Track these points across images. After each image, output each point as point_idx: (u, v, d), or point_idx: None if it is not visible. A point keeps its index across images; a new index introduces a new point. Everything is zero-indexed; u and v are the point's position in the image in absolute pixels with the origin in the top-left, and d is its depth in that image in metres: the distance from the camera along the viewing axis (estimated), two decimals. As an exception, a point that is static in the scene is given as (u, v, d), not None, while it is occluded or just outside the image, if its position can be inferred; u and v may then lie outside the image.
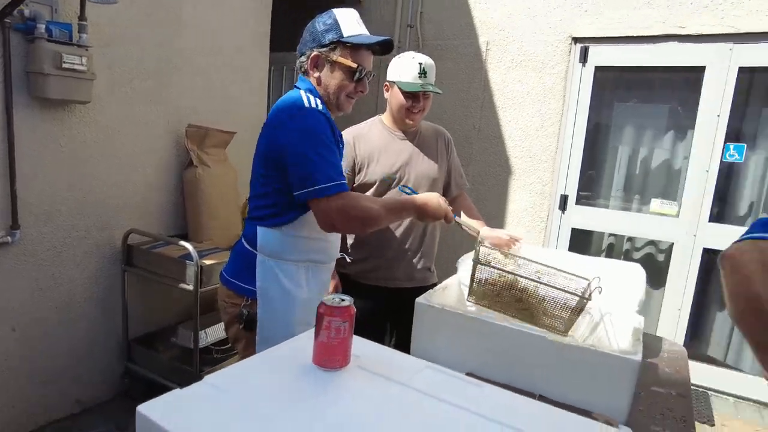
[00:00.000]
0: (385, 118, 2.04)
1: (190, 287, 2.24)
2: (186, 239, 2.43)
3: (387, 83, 1.98)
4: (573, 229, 3.35)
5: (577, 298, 1.37)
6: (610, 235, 3.40)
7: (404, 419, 0.68)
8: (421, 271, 2.06)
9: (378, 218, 1.45)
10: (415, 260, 2.04)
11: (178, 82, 2.64)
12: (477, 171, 3.58)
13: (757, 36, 2.78)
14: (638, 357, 1.16)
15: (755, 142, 2.96)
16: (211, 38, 2.78)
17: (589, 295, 1.37)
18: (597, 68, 3.18)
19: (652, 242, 3.29)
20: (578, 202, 3.32)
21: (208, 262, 2.28)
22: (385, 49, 1.51)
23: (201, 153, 2.66)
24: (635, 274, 1.68)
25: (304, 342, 0.85)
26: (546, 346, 1.21)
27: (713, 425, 2.72)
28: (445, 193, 2.12)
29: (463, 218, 2.05)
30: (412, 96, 1.90)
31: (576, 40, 3.21)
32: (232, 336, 1.59)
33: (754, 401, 2.96)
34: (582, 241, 3.41)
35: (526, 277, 1.47)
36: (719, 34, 2.85)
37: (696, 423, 2.80)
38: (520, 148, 3.43)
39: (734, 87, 2.86)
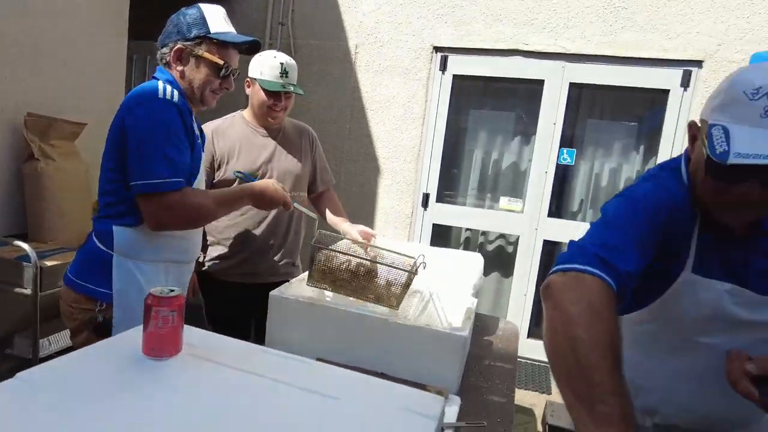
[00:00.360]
0: (247, 113, 2.04)
1: (28, 291, 2.05)
2: (26, 239, 2.21)
3: (249, 79, 1.98)
4: (434, 225, 3.60)
5: (407, 274, 1.52)
6: (467, 229, 3.72)
7: (230, 399, 0.72)
8: (284, 266, 2.09)
9: (209, 213, 1.47)
10: (278, 256, 2.07)
11: (17, 66, 2.38)
12: (348, 170, 3.69)
13: (583, 57, 3.23)
14: (465, 333, 1.32)
15: (583, 148, 3.43)
16: (60, 21, 2.54)
17: (416, 270, 1.52)
18: (455, 76, 3.45)
19: (502, 235, 3.66)
20: (439, 199, 3.58)
21: (49, 263, 2.10)
22: (251, 50, 1.53)
23: (44, 145, 2.42)
24: (474, 262, 1.89)
25: (134, 334, 0.85)
26: (386, 328, 1.32)
27: (550, 394, 3.11)
28: (311, 189, 2.18)
29: (328, 217, 2.13)
30: (274, 95, 1.93)
31: (437, 49, 3.46)
32: (80, 344, 1.49)
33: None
34: (443, 236, 3.68)
35: (359, 257, 1.59)
36: (555, 53, 3.26)
37: (536, 392, 3.15)
38: (387, 148, 3.61)
39: (566, 100, 3.29)
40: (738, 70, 0.93)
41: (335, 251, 1.58)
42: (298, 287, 1.56)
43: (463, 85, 3.51)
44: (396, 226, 3.64)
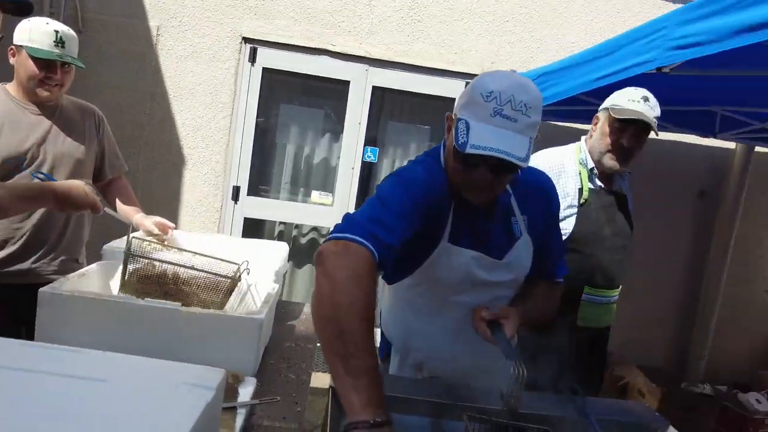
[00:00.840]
0: (12, 87, 1.77)
1: None
2: None
3: (13, 47, 1.72)
4: (246, 219, 3.55)
5: (229, 280, 1.51)
6: (281, 223, 3.75)
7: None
8: (65, 262, 1.87)
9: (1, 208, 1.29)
10: (57, 251, 1.84)
11: None
12: (149, 158, 3.41)
13: (384, 63, 3.51)
14: (262, 316, 1.36)
15: (385, 147, 3.73)
16: None
17: (239, 276, 1.52)
18: (265, 69, 3.44)
19: (315, 228, 3.78)
20: (250, 193, 3.54)
21: None
22: (20, 10, 1.32)
23: None
24: (279, 250, 1.94)
25: None
26: (178, 318, 1.29)
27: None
28: (99, 176, 1.98)
29: (119, 207, 1.96)
30: (46, 66, 1.70)
31: (246, 40, 3.40)
32: None
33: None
34: (255, 230, 3.65)
35: (180, 265, 1.52)
36: (359, 56, 3.48)
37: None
38: (193, 137, 3.43)
39: (370, 101, 3.53)
40: (480, 75, 1.15)
41: (152, 259, 1.48)
42: (77, 282, 1.41)
43: (273, 79, 3.51)
44: (204, 219, 3.49)
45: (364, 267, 0.96)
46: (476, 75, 3.49)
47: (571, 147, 2.05)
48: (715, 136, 3.48)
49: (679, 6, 1.80)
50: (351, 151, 3.58)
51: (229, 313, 1.34)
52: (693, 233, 4.06)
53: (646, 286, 3.72)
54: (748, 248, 4.07)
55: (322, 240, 3.77)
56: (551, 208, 1.36)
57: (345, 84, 3.51)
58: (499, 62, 3.61)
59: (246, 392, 1.22)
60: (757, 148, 3.81)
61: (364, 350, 0.88)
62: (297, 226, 3.80)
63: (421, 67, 3.53)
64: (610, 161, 1.90)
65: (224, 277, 1.52)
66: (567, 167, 1.97)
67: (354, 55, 3.47)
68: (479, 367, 1.34)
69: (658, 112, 1.86)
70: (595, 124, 1.97)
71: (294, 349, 1.65)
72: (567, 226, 1.89)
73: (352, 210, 3.61)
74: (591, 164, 1.96)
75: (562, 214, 1.84)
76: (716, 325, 4.02)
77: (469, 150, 1.03)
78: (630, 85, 1.95)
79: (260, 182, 3.67)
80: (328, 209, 3.63)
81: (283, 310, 1.99)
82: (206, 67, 3.39)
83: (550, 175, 1.90)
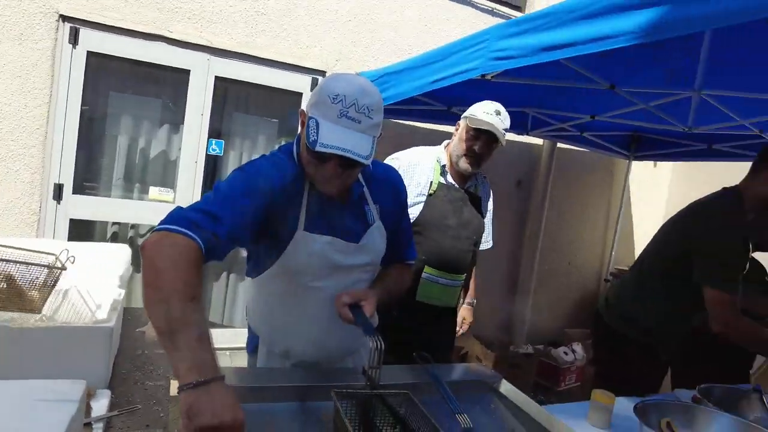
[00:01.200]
0: None
1: None
2: None
3: None
4: (72, 220, 3.15)
5: (47, 270, 1.35)
6: (114, 223, 3.41)
7: None
8: None
9: None
10: None
11: None
12: (-64, 154, 2.84)
13: (227, 53, 3.39)
14: (111, 324, 1.27)
15: (231, 139, 3.62)
16: None
17: (62, 265, 1.38)
18: (90, 53, 3.08)
19: (154, 227, 3.50)
20: (76, 191, 3.15)
21: None
22: None
23: None
24: (120, 253, 1.80)
25: None
26: (12, 335, 1.15)
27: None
28: None
29: None
30: None
31: (64, 18, 3.01)
32: None
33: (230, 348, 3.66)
34: (84, 232, 3.26)
35: None
36: (199, 45, 3.30)
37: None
38: (-1, 129, 2.94)
39: (212, 92, 3.39)
40: (329, 77, 1.23)
41: None
42: None
43: (101, 64, 3.16)
44: (18, 223, 3.02)
45: (186, 255, 1.00)
46: (322, 71, 3.62)
47: (435, 147, 2.30)
48: (528, 133, 4.06)
49: (498, 20, 2.09)
50: (193, 143, 3.39)
51: (74, 324, 1.23)
52: (513, 218, 4.70)
53: (479, 267, 4.20)
54: (554, 228, 4.84)
55: (164, 239, 3.52)
56: (400, 198, 1.50)
57: (185, 73, 3.31)
58: (343, 59, 3.73)
59: (101, 405, 1.14)
60: (559, 144, 4.53)
61: (188, 324, 0.92)
62: (133, 226, 3.49)
63: (266, 59, 3.49)
64: (464, 164, 2.15)
65: (43, 266, 1.36)
66: (423, 163, 2.20)
67: (194, 44, 3.29)
68: (342, 349, 1.44)
69: (507, 124, 2.12)
70: (457, 129, 2.20)
71: (147, 356, 1.56)
72: (414, 212, 2.10)
73: (198, 206, 3.44)
74: (444, 162, 2.21)
75: (412, 201, 2.03)
76: (533, 295, 4.73)
77: (318, 148, 1.12)
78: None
79: (88, 179, 3.28)
80: (169, 207, 3.37)
81: (129, 317, 1.86)
82: (12, 46, 2.92)
83: (408, 168, 2.13)
